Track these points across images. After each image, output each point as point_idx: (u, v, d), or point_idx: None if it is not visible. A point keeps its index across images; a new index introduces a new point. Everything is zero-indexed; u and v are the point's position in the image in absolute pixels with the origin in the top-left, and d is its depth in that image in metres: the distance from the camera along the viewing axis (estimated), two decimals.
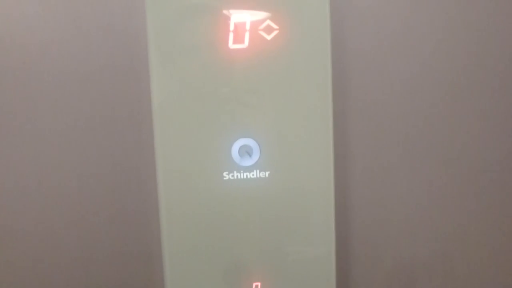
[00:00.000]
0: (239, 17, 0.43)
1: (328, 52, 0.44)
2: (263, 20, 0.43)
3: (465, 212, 0.51)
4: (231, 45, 0.43)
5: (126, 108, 0.48)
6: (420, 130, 0.50)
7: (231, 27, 0.43)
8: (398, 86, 0.49)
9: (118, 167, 0.48)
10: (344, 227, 0.50)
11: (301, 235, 0.46)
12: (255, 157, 0.44)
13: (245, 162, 0.44)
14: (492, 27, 0.49)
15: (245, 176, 0.44)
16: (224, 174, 0.44)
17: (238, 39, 0.43)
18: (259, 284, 0.46)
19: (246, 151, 0.44)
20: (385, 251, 0.51)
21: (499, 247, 0.51)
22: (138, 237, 0.49)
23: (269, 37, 0.44)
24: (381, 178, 0.50)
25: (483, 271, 0.52)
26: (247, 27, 0.43)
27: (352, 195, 0.50)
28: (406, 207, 0.51)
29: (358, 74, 0.49)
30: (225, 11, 0.43)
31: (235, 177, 0.44)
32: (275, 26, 0.43)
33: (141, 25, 0.46)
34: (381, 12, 0.48)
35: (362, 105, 0.49)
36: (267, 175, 0.45)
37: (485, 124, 0.50)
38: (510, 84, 0.49)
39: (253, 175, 0.44)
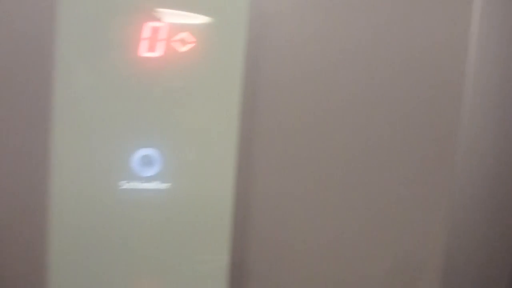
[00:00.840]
0: (154, 25, 0.42)
1: (240, 72, 0.44)
2: (178, 32, 0.43)
3: (363, 226, 0.53)
4: (143, 53, 0.42)
5: (26, 108, 0.45)
6: (325, 150, 0.51)
7: (144, 35, 0.42)
8: (307, 108, 0.50)
9: (11, 167, 0.46)
10: (242, 243, 0.51)
11: (195, 250, 0.46)
12: (156, 167, 0.44)
13: (145, 172, 0.43)
14: (404, 55, 0.51)
15: (144, 187, 0.44)
16: (122, 183, 0.43)
17: (150, 47, 0.42)
18: None
19: (146, 161, 0.43)
20: (281, 268, 0.53)
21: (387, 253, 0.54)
22: (24, 243, 0.47)
23: (183, 49, 0.43)
24: (284, 196, 0.51)
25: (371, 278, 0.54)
26: (161, 36, 0.42)
27: (253, 213, 0.51)
28: (307, 224, 0.52)
29: (269, 95, 0.50)
30: (139, 18, 0.42)
31: (133, 187, 0.43)
32: (191, 39, 0.43)
33: (49, 22, 0.44)
34: (297, 36, 0.49)
35: (269, 124, 0.50)
36: (167, 187, 0.44)
37: (382, 140, 0.52)
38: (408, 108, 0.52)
39: (152, 186, 0.44)
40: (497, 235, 0.53)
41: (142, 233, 0.45)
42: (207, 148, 0.45)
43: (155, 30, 0.42)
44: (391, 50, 0.50)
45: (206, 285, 0.47)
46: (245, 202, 0.50)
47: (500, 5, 0.50)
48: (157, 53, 0.42)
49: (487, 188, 0.53)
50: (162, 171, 0.44)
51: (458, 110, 0.48)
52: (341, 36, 0.50)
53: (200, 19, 0.44)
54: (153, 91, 0.43)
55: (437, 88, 0.49)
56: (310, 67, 0.50)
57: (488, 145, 0.51)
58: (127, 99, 0.42)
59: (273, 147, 0.50)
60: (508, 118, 0.51)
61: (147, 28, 0.42)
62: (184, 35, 0.43)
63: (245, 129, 0.48)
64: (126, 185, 0.43)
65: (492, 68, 0.51)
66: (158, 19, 0.43)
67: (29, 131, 0.46)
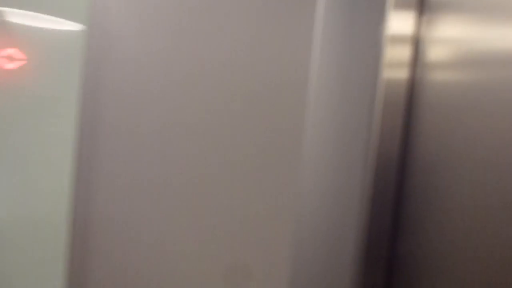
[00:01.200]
0: None
1: (77, 91, 0.42)
2: (5, 47, 0.40)
3: (209, 243, 0.52)
4: None
5: None
6: (169, 169, 0.50)
7: None
8: (149, 126, 0.49)
9: None
10: (80, 267, 0.48)
11: (29, 280, 0.43)
12: None
13: None
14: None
15: None
16: None
17: None
18: None
19: None
20: None
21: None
22: None
23: (10, 66, 0.40)
24: (124, 216, 0.50)
25: None
26: None
27: (92, 236, 0.48)
28: (151, 245, 0.51)
29: (109, 115, 0.48)
30: None
31: None
32: (20, 56, 0.40)
33: None
34: (141, 53, 0.48)
35: (109, 144, 0.48)
36: None
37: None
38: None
39: None
40: (341, 240, 0.56)
41: None
42: (40, 173, 0.42)
43: None
44: (234, 68, 0.51)
45: None
46: (83, 225, 0.47)
47: (339, 29, 0.53)
48: None
49: (331, 197, 0.55)
50: None
51: (303, 127, 0.51)
52: (181, 52, 0.50)
53: (32, 36, 0.41)
54: None
55: (282, 108, 0.51)
56: (153, 84, 0.48)
57: (331, 155, 0.54)
58: None
59: (113, 167, 0.48)
60: (349, 127, 0.54)
61: None
62: (12, 51, 0.40)
63: (84, 149, 0.45)
64: None
65: (332, 80, 0.54)
66: None
67: None
